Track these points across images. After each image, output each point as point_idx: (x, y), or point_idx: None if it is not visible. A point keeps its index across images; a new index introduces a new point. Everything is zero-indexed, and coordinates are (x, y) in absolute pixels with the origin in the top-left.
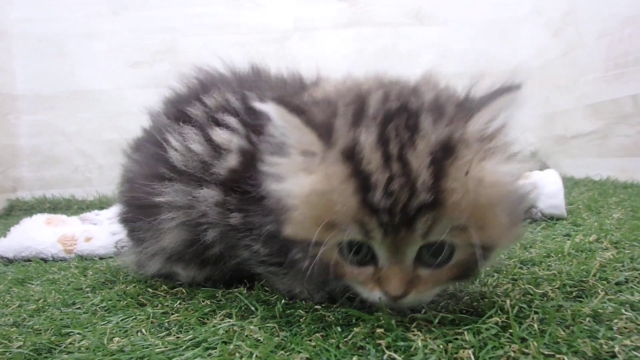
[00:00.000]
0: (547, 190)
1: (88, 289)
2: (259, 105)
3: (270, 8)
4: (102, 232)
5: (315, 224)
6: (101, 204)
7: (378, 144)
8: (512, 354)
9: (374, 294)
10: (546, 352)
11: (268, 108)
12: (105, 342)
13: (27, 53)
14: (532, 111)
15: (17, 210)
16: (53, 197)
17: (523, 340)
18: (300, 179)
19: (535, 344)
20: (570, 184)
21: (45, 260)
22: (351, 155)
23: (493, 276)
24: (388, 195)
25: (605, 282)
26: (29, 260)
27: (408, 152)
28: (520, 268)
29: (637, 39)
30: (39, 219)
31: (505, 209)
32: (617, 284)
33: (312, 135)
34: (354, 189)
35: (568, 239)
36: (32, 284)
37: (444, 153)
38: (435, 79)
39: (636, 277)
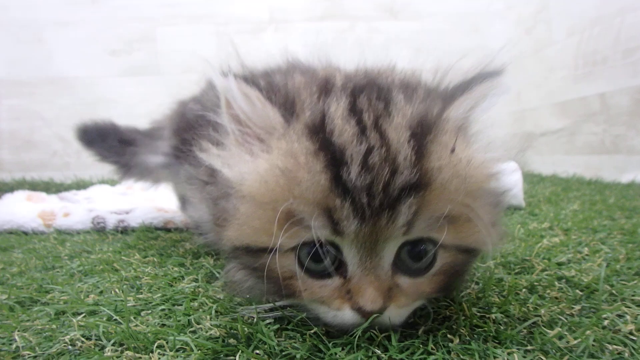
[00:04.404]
0: (506, 180)
1: (66, 257)
2: (217, 79)
3: None
4: (80, 209)
5: (267, 218)
6: (79, 187)
7: (351, 114)
8: (448, 313)
9: (343, 313)
10: (479, 314)
11: (227, 82)
12: (82, 297)
13: (5, 39)
14: (503, 107)
15: None
16: (32, 179)
17: (460, 304)
18: (254, 161)
19: (469, 305)
20: (537, 180)
21: (25, 233)
22: (319, 128)
23: None
24: (367, 170)
25: (547, 261)
26: (10, 233)
27: (384, 123)
28: None
29: (606, 38)
30: (20, 195)
31: (490, 203)
32: (558, 263)
33: (272, 110)
34: (324, 164)
35: (522, 226)
36: (14, 252)
37: (423, 129)
38: (399, 69)
39: (578, 260)
